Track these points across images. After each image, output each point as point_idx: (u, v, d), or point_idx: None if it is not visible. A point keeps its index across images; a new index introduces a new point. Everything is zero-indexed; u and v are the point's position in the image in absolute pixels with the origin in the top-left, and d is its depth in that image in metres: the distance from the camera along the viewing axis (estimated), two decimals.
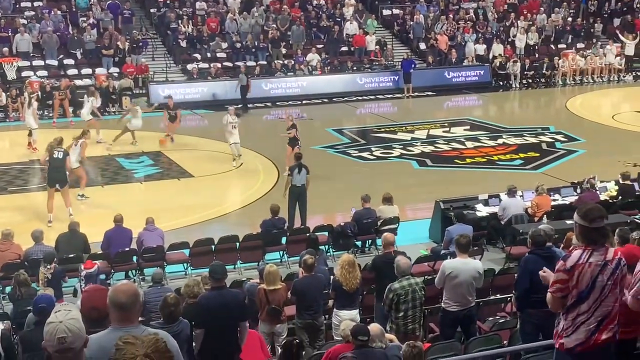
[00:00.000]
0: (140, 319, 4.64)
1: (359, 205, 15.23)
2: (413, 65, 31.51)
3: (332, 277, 10.79)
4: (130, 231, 14.12)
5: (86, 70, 29.06)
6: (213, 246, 14.31)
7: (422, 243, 15.37)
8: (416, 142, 23.69)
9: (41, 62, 28.96)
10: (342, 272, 10.26)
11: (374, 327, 8.11)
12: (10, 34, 29.08)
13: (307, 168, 16.14)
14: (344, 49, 33.45)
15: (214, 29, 32.13)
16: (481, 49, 33.89)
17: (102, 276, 13.11)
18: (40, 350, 6.04)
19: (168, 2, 32.97)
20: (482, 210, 15.58)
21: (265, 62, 31.51)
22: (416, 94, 31.14)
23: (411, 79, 31.05)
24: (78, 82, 28.06)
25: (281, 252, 14.80)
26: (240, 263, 14.41)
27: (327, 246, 14.59)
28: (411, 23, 34.70)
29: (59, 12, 30.77)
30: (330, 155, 22.44)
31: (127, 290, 4.44)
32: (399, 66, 32.04)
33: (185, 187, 19.48)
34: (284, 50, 32.11)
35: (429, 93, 31.61)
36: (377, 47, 33.28)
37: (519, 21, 35.38)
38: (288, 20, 33.17)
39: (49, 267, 12.06)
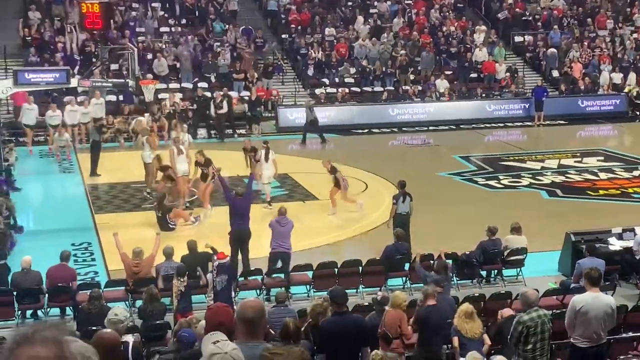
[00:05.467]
0: None
1: (485, 236, 14.93)
2: (545, 93, 30.80)
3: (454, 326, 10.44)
4: None
5: (218, 93, 29.85)
6: (336, 269, 14.35)
7: (551, 275, 14.91)
8: (546, 172, 23.07)
9: (177, 85, 30.04)
10: (460, 322, 10.00)
11: None
12: (150, 57, 30.35)
13: (411, 196, 16.08)
14: (473, 75, 33.10)
15: (343, 54, 32.46)
16: (617, 77, 32.77)
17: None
18: None
19: (299, 28, 33.60)
20: (616, 244, 14.97)
21: (392, 88, 31.56)
22: (547, 122, 30.39)
23: (543, 107, 30.34)
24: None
25: (404, 279, 14.68)
26: (363, 288, 14.37)
27: (451, 274, 14.33)
28: (544, 50, 33.98)
29: (195, 37, 31.89)
30: (457, 183, 22.15)
31: (255, 305, 4.54)
32: (530, 94, 31.41)
33: (310, 209, 19.65)
34: (412, 76, 32.07)
35: (561, 122, 30.76)
36: (508, 74, 32.74)
37: None
38: (417, 47, 33.13)
39: (182, 280, 12.46)
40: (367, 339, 8.54)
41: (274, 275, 14.34)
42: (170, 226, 17.76)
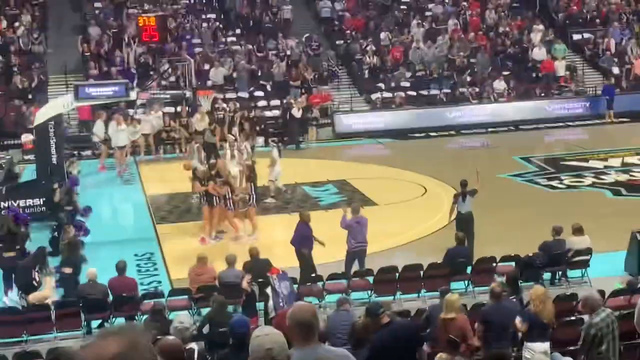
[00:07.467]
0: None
1: (549, 237, 14.66)
2: (614, 91, 30.30)
3: (526, 309, 10.39)
4: None
5: (274, 102, 30.04)
6: (397, 274, 14.25)
7: (617, 276, 14.56)
8: (610, 171, 22.60)
9: (233, 95, 30.25)
10: (537, 304, 9.87)
11: None
12: (207, 67, 30.63)
13: (471, 194, 15.88)
14: (532, 75, 32.61)
15: (398, 58, 32.29)
16: None
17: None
18: None
19: (354, 34, 33.56)
20: None
21: (449, 91, 31.29)
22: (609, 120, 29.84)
23: (613, 105, 29.79)
24: (267, 113, 29.16)
25: (466, 282, 14.51)
26: (424, 292, 14.24)
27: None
28: (603, 47, 33.32)
29: (250, 46, 32.09)
30: (517, 184, 21.85)
31: (308, 309, 4.57)
32: (591, 91, 30.87)
33: (369, 215, 19.47)
34: (469, 78, 31.75)
35: (623, 119, 30.10)
36: (567, 72, 32.18)
37: None
38: (473, 48, 32.78)
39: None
40: (419, 338, 8.57)
41: (335, 281, 14.28)
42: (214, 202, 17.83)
